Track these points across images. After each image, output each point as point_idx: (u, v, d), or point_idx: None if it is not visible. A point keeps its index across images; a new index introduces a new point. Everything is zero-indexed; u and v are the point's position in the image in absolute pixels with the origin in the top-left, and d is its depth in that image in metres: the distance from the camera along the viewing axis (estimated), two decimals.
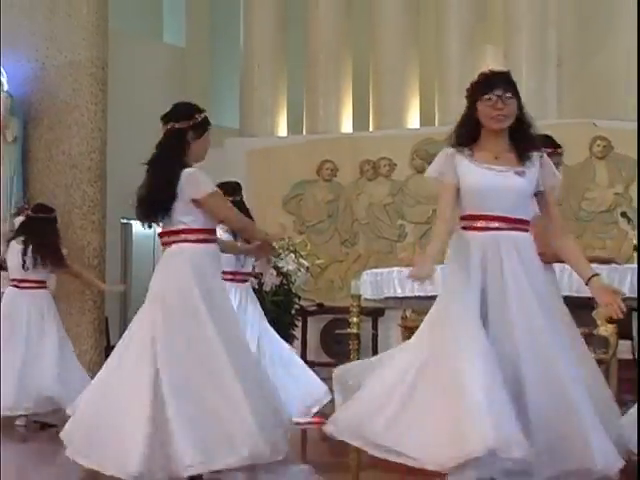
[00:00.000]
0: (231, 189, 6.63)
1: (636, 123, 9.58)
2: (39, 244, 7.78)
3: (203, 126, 4.88)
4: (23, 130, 10.66)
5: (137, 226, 14.56)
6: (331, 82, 12.61)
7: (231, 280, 6.58)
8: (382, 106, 12.34)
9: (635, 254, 8.50)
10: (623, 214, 9.02)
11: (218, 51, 14.35)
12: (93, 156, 10.70)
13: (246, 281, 6.96)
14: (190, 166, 4.73)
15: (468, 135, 4.09)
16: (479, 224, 3.99)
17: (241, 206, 6.45)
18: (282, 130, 12.98)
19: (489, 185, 4.00)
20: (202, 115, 4.91)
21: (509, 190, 3.99)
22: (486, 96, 4.04)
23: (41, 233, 7.82)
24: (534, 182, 4.04)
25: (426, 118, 12.25)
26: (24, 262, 7.75)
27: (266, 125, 12.83)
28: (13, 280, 7.94)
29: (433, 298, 7.53)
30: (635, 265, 7.02)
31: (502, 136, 4.05)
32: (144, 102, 12.94)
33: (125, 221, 13.62)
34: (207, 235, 4.72)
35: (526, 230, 4.03)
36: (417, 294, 7.56)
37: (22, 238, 7.88)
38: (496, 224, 3.98)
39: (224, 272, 6.30)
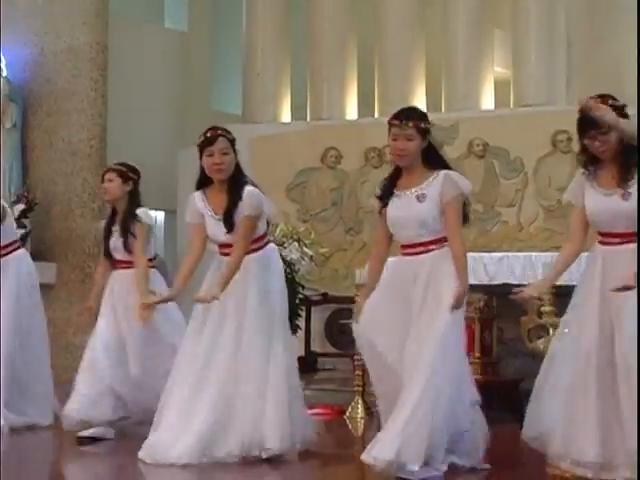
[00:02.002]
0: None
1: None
2: None
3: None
4: (22, 117, 10.69)
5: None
6: (335, 67, 12.60)
7: None
8: (387, 92, 12.33)
9: None
10: None
11: (220, 36, 14.35)
12: (93, 143, 10.72)
13: None
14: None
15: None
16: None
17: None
18: (285, 116, 12.98)
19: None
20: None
21: None
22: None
23: None
24: None
25: (432, 104, 12.25)
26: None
27: (269, 111, 12.83)
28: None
29: None
30: None
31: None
32: (145, 88, 12.97)
33: None
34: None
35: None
36: None
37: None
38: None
39: None
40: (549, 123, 10.94)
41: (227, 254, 5.34)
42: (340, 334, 11.38)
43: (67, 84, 10.68)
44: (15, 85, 10.63)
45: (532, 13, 11.68)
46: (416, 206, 4.87)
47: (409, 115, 4.96)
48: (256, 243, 5.39)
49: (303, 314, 10.81)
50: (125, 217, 6.36)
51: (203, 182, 5.44)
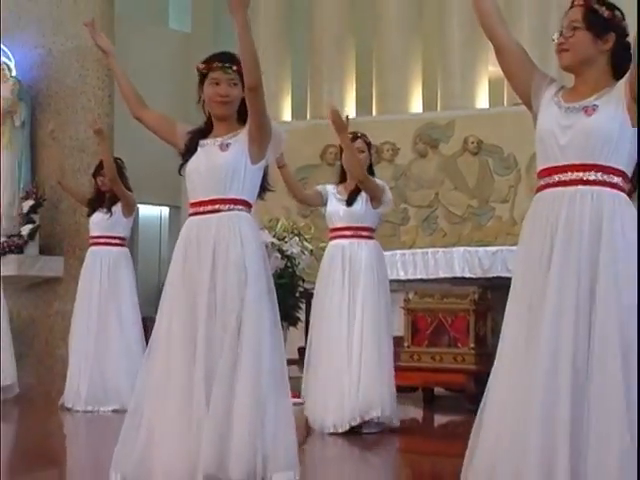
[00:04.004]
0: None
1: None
2: None
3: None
4: (31, 115, 10.68)
5: (143, 209, 14.59)
6: (335, 67, 12.60)
7: None
8: (385, 91, 12.33)
9: None
10: None
11: (223, 37, 14.31)
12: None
13: None
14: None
15: None
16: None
17: None
18: (286, 115, 12.98)
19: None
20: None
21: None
22: None
23: None
24: None
25: (428, 103, 12.25)
26: None
27: (270, 110, 12.70)
28: None
29: (435, 281, 7.59)
30: None
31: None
32: (151, 87, 12.92)
33: None
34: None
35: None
36: (420, 277, 7.60)
37: None
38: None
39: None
40: None
41: None
42: None
43: (75, 83, 10.66)
44: (24, 84, 10.62)
45: (525, 16, 11.68)
46: (219, 154, 4.10)
47: (232, 58, 4.10)
48: None
49: (303, 307, 10.81)
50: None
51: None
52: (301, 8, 13.01)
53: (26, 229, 10.29)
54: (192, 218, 4.07)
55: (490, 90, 12.05)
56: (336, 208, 6.27)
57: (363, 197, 6.15)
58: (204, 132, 4.19)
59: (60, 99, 10.70)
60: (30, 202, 10.38)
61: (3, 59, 10.55)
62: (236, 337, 3.83)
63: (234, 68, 4.09)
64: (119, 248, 7.46)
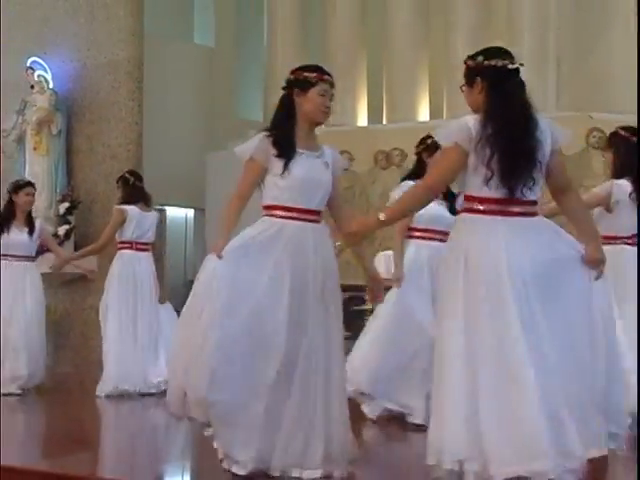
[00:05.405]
0: None
1: (628, 116, 9.54)
2: None
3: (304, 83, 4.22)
4: (67, 124, 10.73)
5: (170, 211, 14.66)
6: (348, 79, 12.61)
7: None
8: (395, 101, 12.34)
9: None
10: None
11: (244, 51, 14.38)
12: (130, 147, 10.76)
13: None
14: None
15: None
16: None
17: None
18: None
19: None
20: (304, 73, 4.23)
21: None
22: None
23: None
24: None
25: (435, 112, 12.26)
26: None
27: None
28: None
29: None
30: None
31: None
32: (177, 98, 13.01)
33: (159, 207, 13.65)
34: None
35: None
36: None
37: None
38: None
39: None
40: None
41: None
42: (353, 319, 11.38)
43: (107, 95, 10.72)
44: (61, 96, 10.67)
45: (525, 30, 11.65)
46: (325, 172, 4.10)
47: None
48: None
49: None
50: None
51: None
52: (316, 24, 13.04)
53: (62, 229, 10.35)
54: (288, 222, 4.03)
55: None
56: (442, 213, 5.68)
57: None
58: (291, 136, 4.13)
59: (94, 109, 10.76)
60: (66, 204, 10.44)
61: (41, 72, 10.61)
62: (335, 335, 4.06)
63: (334, 87, 4.33)
64: (142, 252, 7.65)
